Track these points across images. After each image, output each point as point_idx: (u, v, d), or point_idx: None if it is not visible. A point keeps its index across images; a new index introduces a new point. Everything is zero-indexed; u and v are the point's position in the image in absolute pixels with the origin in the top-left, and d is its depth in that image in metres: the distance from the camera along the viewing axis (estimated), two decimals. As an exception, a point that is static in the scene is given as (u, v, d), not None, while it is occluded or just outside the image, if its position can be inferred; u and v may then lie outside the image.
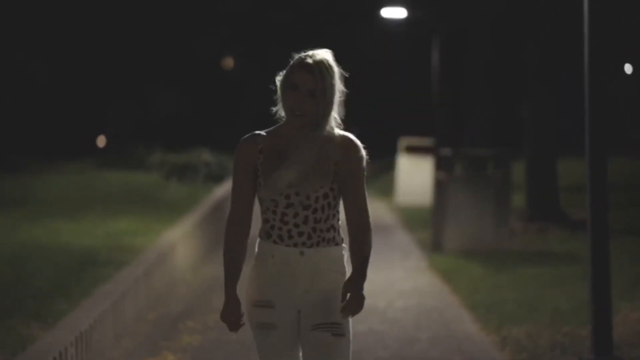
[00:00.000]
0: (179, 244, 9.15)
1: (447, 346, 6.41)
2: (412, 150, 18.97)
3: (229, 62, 37.58)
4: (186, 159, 16.50)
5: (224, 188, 14.83)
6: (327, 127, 3.26)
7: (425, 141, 19.02)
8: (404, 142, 19.19)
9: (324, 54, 3.27)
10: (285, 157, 3.26)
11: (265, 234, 3.32)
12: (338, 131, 3.31)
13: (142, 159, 18.11)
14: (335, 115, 3.28)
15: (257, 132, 3.34)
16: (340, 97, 3.28)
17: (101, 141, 32.55)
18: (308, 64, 3.23)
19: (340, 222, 3.35)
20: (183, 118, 34.22)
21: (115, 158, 19.45)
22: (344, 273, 3.32)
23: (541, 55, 13.03)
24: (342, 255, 3.34)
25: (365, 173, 3.32)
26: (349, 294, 3.22)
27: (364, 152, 3.31)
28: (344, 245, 3.35)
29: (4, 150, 22.85)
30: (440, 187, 11.67)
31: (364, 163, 3.30)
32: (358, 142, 3.31)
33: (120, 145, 24.08)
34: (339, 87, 3.27)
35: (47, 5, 27.96)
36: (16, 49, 26.37)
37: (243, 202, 3.33)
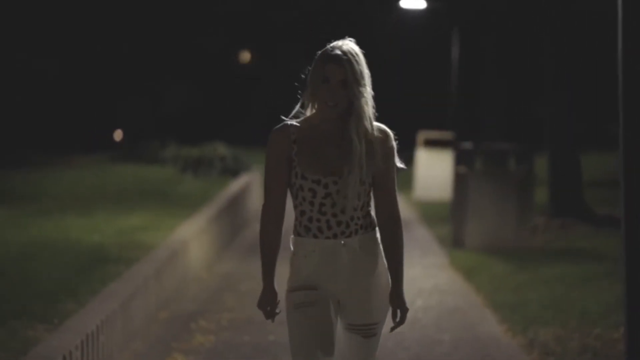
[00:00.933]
0: (193, 240, 8.90)
1: (471, 349, 6.12)
2: (430, 144, 18.63)
3: (245, 55, 37.34)
4: (201, 152, 16.25)
5: (240, 182, 14.58)
6: (368, 117, 3.29)
7: (445, 135, 18.69)
8: (422, 135, 18.87)
9: (350, 44, 3.32)
10: (325, 147, 3.29)
11: (304, 229, 3.33)
12: (375, 122, 3.35)
13: (156, 153, 17.88)
14: (371, 103, 3.31)
15: (288, 122, 3.35)
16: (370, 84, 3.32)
17: (118, 135, 32.40)
18: (337, 55, 3.27)
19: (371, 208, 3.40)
20: (197, 112, 34.06)
21: (130, 152, 19.22)
22: (380, 255, 3.36)
23: (560, 49, 12.72)
24: (377, 238, 3.37)
25: (396, 164, 3.37)
26: (398, 310, 3.32)
27: (394, 143, 3.37)
28: (376, 228, 3.38)
29: (17, 145, 22.70)
30: (460, 181, 11.35)
31: (396, 154, 3.36)
32: (391, 133, 3.38)
33: (135, 139, 23.90)
34: (367, 73, 3.31)
35: (58, 2, 27.80)
36: (27, 45, 26.23)
37: (277, 192, 3.33)
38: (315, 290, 3.31)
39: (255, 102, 35.21)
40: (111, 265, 7.21)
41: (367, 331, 3.34)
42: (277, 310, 3.40)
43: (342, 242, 3.28)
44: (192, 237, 8.89)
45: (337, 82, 3.24)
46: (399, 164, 3.37)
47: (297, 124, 3.33)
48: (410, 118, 27.21)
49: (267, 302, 3.38)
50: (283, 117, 3.39)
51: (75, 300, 6.07)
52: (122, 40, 30.44)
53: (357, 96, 3.24)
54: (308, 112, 3.35)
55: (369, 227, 3.33)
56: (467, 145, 12.18)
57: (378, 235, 3.36)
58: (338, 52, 3.26)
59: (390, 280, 3.35)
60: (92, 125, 30.64)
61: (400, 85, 31.26)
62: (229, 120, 34.62)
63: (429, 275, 9.12)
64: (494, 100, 17.12)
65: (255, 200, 15.77)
